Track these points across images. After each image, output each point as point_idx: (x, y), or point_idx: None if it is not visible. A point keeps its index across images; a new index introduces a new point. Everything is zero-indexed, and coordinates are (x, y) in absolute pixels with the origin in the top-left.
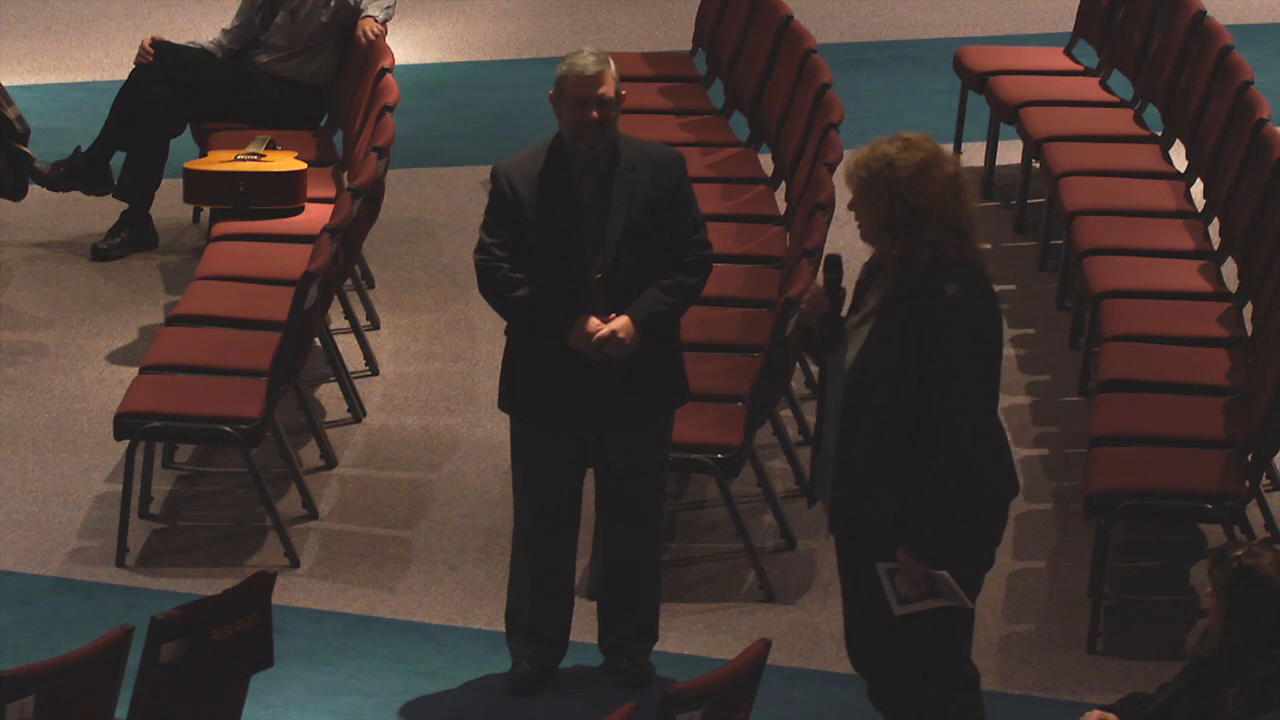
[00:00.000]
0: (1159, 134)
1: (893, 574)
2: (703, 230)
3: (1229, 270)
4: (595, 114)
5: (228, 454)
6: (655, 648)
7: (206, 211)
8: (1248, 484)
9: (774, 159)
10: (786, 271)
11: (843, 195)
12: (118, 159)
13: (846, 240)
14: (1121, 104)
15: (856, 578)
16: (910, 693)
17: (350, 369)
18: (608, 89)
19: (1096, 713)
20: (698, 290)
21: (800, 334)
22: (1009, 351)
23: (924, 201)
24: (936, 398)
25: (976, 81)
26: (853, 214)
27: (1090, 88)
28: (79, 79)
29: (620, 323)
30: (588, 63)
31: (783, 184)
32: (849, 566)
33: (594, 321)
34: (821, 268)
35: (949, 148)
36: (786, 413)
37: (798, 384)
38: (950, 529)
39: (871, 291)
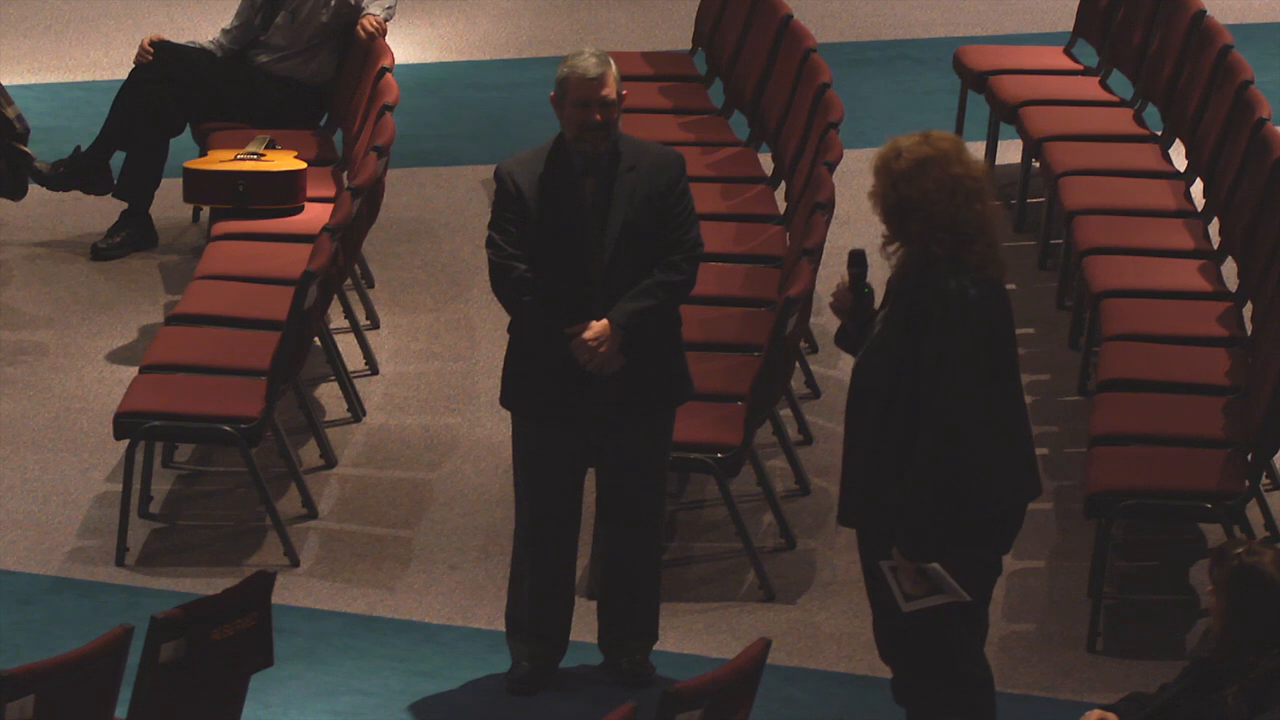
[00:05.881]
0: (1159, 134)
1: (895, 572)
2: (694, 229)
3: (1229, 270)
4: (598, 117)
5: (228, 454)
6: (655, 647)
7: (206, 211)
8: (1248, 484)
9: (774, 158)
10: (786, 271)
11: (842, 195)
12: (118, 159)
13: (846, 240)
14: (1121, 104)
15: (870, 572)
16: (923, 689)
17: (350, 368)
18: (610, 91)
19: (1096, 712)
20: (683, 287)
21: (837, 330)
22: None
23: (913, 195)
24: (924, 394)
25: (976, 81)
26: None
27: (1090, 87)
28: (79, 79)
29: (598, 330)
30: (590, 65)
31: (782, 183)
32: (864, 560)
33: (584, 338)
34: (847, 262)
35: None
36: (786, 412)
37: (798, 384)
38: (933, 525)
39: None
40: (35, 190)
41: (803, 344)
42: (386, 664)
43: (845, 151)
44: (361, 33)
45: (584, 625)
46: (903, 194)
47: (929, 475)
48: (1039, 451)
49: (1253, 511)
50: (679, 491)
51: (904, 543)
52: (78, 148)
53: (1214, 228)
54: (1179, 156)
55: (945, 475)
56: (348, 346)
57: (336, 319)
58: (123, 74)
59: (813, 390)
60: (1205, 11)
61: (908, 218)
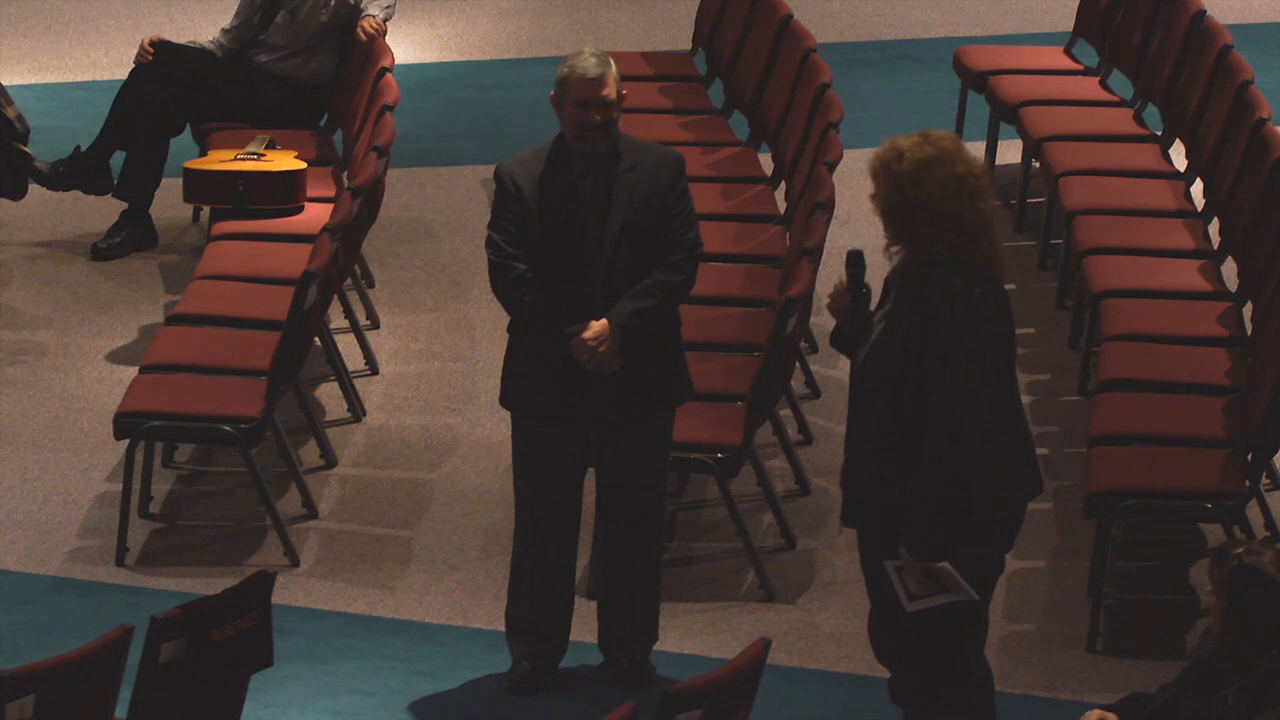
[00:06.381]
0: (1159, 134)
1: (900, 571)
2: (694, 229)
3: (1229, 270)
4: (598, 117)
5: (228, 454)
6: (655, 647)
7: (206, 211)
8: (1248, 484)
9: (774, 158)
10: (786, 271)
11: (842, 195)
12: (118, 159)
13: (846, 240)
14: (1121, 103)
15: (872, 571)
16: (923, 689)
17: (350, 368)
18: (610, 91)
19: (1096, 712)
20: (683, 287)
21: (832, 330)
22: None
23: (920, 195)
24: (932, 393)
25: (976, 81)
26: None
27: (1090, 87)
28: (79, 79)
29: (597, 330)
30: (589, 65)
31: (782, 183)
32: (864, 560)
33: (584, 337)
34: (845, 263)
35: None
36: (786, 412)
37: (798, 384)
38: (941, 524)
39: (893, 287)
40: (35, 190)
41: (803, 344)
42: (386, 664)
43: (845, 151)
44: (361, 35)
45: (584, 625)
46: (909, 195)
47: (936, 474)
48: (1039, 452)
49: (1253, 511)
50: (679, 491)
51: (912, 542)
52: (78, 148)
53: (1214, 228)
54: (1179, 156)
55: (952, 474)
56: (348, 346)
57: (336, 319)
58: (123, 74)
59: (813, 390)
60: (1205, 11)
61: (914, 219)
